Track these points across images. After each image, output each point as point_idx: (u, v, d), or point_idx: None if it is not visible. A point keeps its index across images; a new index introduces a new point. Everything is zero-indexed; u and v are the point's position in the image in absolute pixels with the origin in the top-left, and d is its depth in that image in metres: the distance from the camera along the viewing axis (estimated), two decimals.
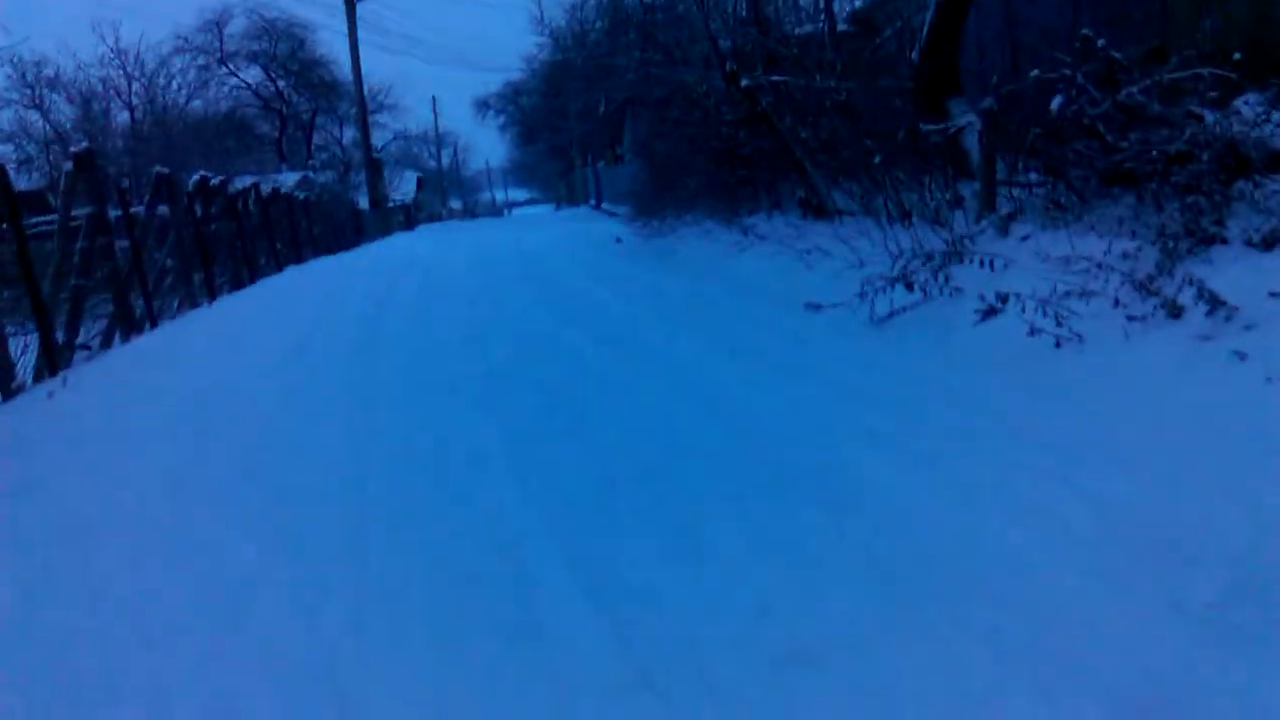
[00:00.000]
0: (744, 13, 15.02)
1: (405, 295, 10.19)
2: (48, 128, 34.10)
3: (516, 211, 71.09)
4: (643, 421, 4.61)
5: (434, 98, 61.64)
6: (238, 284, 12.45)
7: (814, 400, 4.74)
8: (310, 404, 5.53)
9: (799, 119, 9.94)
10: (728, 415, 4.60)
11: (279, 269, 15.22)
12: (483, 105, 57.25)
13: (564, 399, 5.18)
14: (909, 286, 6.10)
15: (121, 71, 35.17)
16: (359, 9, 29.29)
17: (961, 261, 6.21)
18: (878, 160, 8.29)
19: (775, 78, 9.86)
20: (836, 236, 8.23)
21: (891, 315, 6.09)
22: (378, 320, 8.31)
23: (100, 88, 35.25)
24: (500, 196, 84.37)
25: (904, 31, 10.94)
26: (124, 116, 36.01)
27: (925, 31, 8.79)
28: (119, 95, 35.80)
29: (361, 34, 30.14)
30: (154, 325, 8.96)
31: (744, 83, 9.73)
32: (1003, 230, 6.49)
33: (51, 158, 33.84)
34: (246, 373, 6.50)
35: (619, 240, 15.53)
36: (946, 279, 6.11)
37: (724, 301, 7.85)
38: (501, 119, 57.91)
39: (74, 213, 7.79)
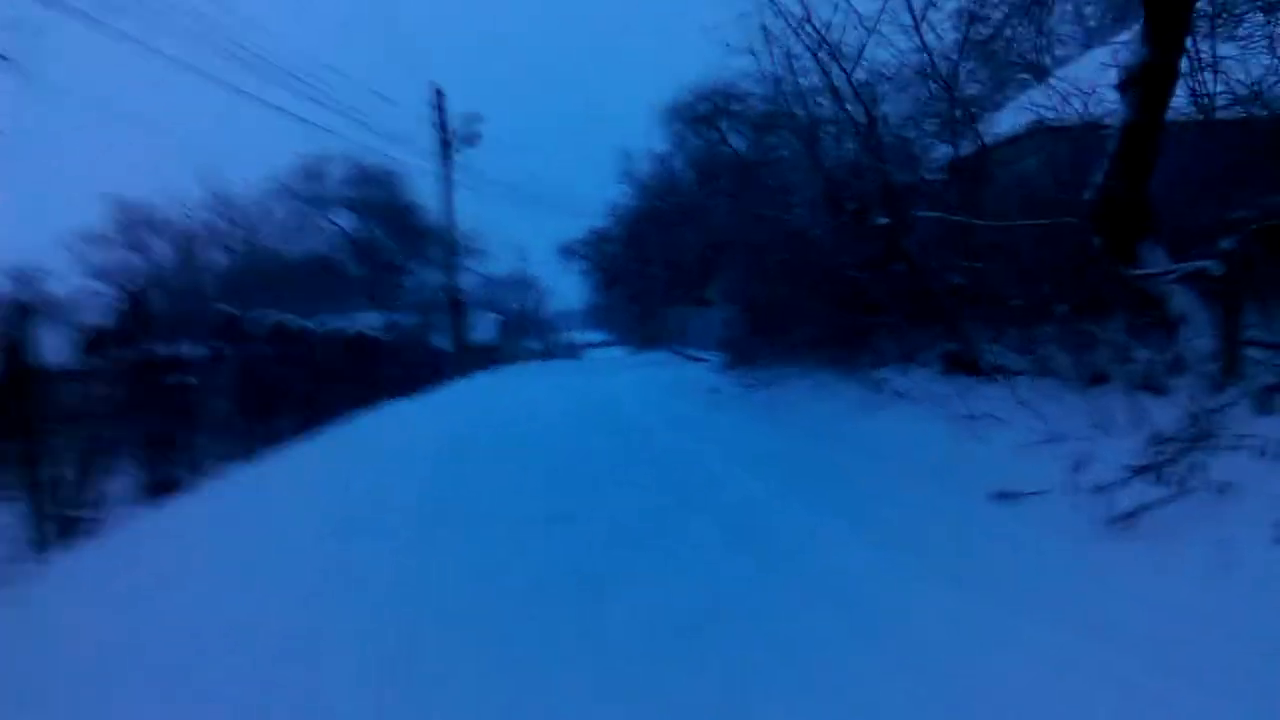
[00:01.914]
0: (853, 154, 14.10)
1: (477, 460, 8.83)
2: (146, 269, 35.14)
3: (593, 353, 71.15)
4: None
5: (520, 245, 63.03)
6: (305, 432, 11.42)
7: (1051, 644, 3.21)
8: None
9: (943, 261, 8.63)
10: (926, 672, 3.09)
11: (350, 414, 14.26)
12: (567, 251, 58.13)
13: (687, 622, 3.76)
14: (1158, 477, 4.55)
15: (221, 216, 36.33)
16: (459, 157, 29.69)
17: (1214, 446, 4.66)
18: (1060, 310, 6.86)
19: (922, 213, 8.61)
20: (1012, 400, 6.73)
21: (1133, 514, 4.51)
22: (443, 493, 6.97)
23: (201, 231, 36.43)
24: (579, 338, 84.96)
25: (1054, 166, 9.68)
26: (220, 259, 37.02)
27: (1109, 162, 7.49)
28: (217, 239, 36.92)
29: (456, 177, 30.49)
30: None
31: (880, 220, 8.50)
32: (1262, 405, 4.93)
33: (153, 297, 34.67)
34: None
35: (715, 390, 14.19)
36: (1197, 469, 4.57)
37: (867, 477, 6.33)
38: (584, 264, 58.54)
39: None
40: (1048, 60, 16.28)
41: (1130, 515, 4.51)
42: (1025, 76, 15.55)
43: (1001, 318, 8.09)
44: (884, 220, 8.58)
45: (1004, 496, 5.22)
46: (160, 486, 7.22)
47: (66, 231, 33.96)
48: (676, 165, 36.97)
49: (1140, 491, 4.60)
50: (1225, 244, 5.45)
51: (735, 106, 29.54)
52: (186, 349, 9.75)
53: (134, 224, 36.07)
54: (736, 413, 10.96)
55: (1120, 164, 7.46)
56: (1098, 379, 6.61)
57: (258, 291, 31.98)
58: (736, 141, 31.25)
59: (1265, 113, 7.98)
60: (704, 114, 31.86)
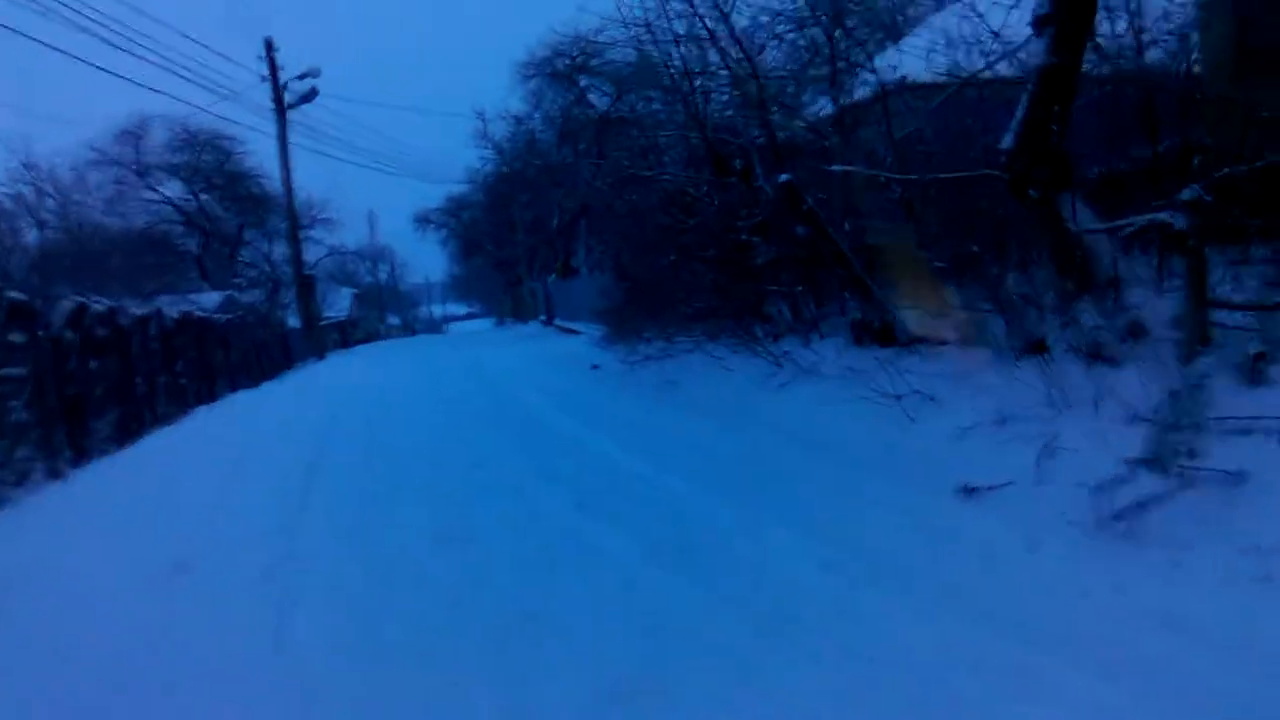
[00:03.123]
0: (731, 108, 13.29)
1: (336, 467, 7.49)
2: None
3: (456, 327, 68.88)
4: None
5: (371, 212, 60.07)
6: (124, 438, 9.75)
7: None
8: None
9: (849, 221, 7.90)
10: None
11: (186, 410, 12.54)
12: (423, 220, 55.67)
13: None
14: (1158, 466, 3.88)
15: (32, 187, 32.47)
16: (294, 116, 27.30)
17: (1214, 428, 4.04)
18: (992, 272, 6.21)
19: (836, 167, 7.81)
20: (943, 374, 6.05)
21: (1131, 512, 3.83)
22: (300, 519, 5.70)
23: (8, 204, 32.45)
24: (439, 311, 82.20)
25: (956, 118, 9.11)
26: (35, 234, 33.16)
27: (1023, 111, 6.88)
28: (30, 212, 33.02)
29: (295, 138, 28.10)
30: None
31: (781, 178, 7.68)
32: (1252, 377, 4.36)
33: None
34: None
35: (596, 367, 13.23)
36: (1198, 455, 3.93)
37: (802, 471, 5.50)
38: (442, 233, 56.29)
39: None
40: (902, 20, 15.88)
41: (1127, 513, 3.82)
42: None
43: (918, 281, 7.43)
44: (785, 177, 7.74)
45: (967, 492, 4.48)
46: None
47: None
48: (535, 126, 35.47)
49: (1134, 484, 3.92)
50: (1187, 194, 4.84)
51: (595, 62, 28.36)
52: None
53: None
54: (626, 392, 10.04)
55: (1038, 110, 6.86)
56: (1035, 347, 5.99)
57: (78, 271, 28.74)
58: (597, 99, 30.15)
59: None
60: (562, 70, 30.46)
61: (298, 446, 8.07)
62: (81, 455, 8.45)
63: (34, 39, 15.55)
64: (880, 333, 7.64)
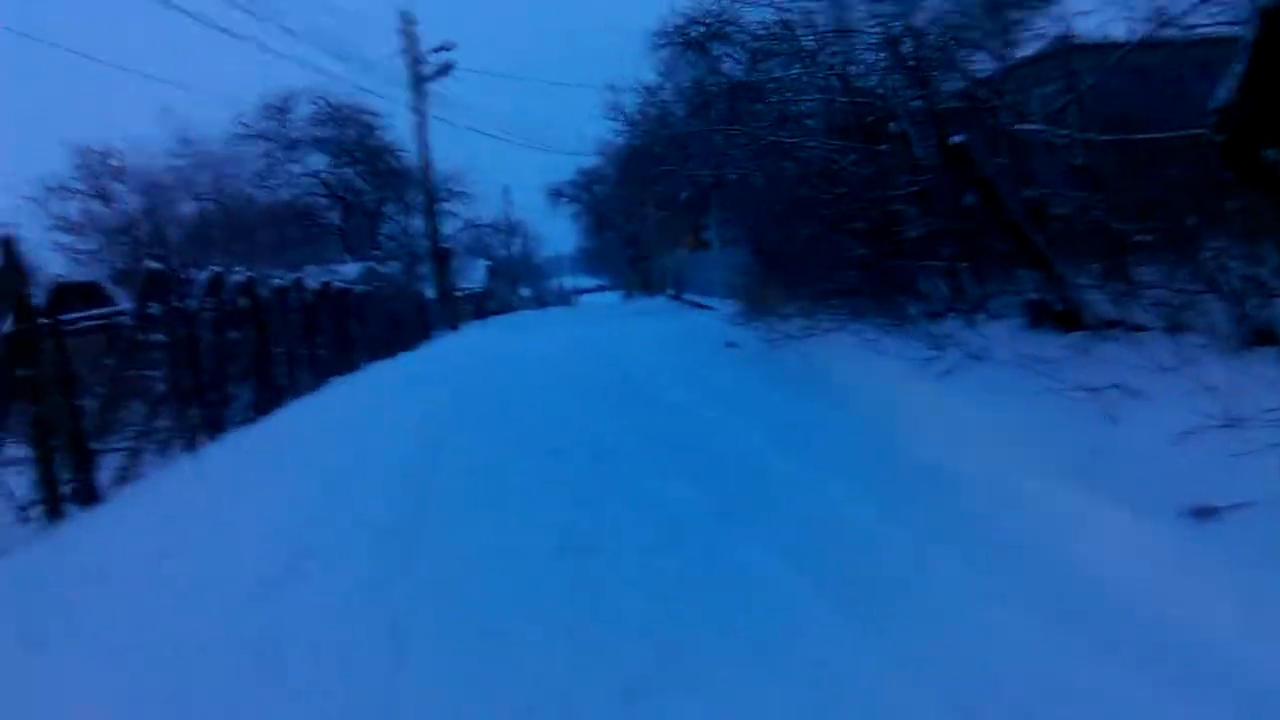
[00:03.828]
0: (879, 72, 12.32)
1: (457, 453, 6.84)
2: (111, 218, 33.09)
3: (585, 299, 69.39)
4: None
5: (505, 186, 60.89)
6: (262, 409, 9.81)
7: None
8: None
9: (1030, 188, 7.00)
10: None
11: (323, 381, 12.65)
12: (555, 194, 56.07)
13: None
14: None
15: (188, 161, 34.16)
16: (431, 89, 27.59)
17: None
18: (1210, 249, 5.27)
19: (1023, 126, 6.93)
20: (1149, 365, 5.16)
21: None
22: (413, 516, 5.26)
23: (167, 178, 34.28)
24: (569, 284, 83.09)
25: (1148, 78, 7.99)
26: (190, 206, 34.96)
27: (1243, 63, 5.82)
28: (185, 186, 34.80)
29: (431, 111, 28.41)
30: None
31: (955, 139, 6.84)
32: None
33: (116, 249, 32.78)
34: None
35: (732, 345, 12.61)
36: None
37: (978, 472, 4.75)
38: (574, 207, 56.60)
39: None
40: None
41: None
42: None
43: (1109, 257, 6.49)
44: (959, 138, 6.88)
45: (1202, 513, 3.68)
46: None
47: (25, 180, 31.73)
48: (667, 97, 34.77)
49: None
50: None
51: (730, 29, 27.42)
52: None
53: (98, 172, 33.93)
54: (766, 374, 9.38)
55: (1262, 59, 5.79)
56: (1264, 338, 5.05)
57: (230, 242, 30.08)
58: (731, 68, 29.17)
59: None
60: (695, 37, 29.59)
61: (419, 429, 7.80)
62: (218, 426, 8.47)
63: (187, 12, 15.98)
64: (1063, 315, 6.73)
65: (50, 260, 32.12)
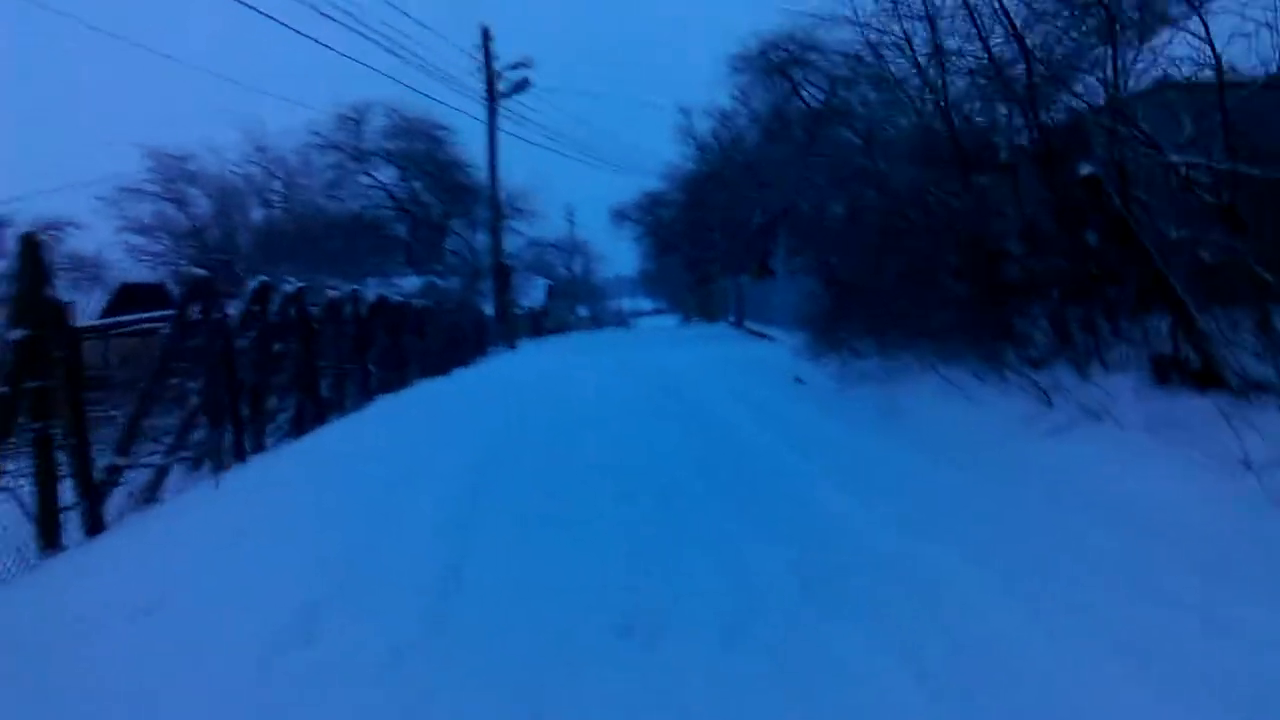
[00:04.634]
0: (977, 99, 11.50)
1: (504, 492, 6.10)
2: (183, 222, 33.51)
3: (642, 322, 68.89)
4: None
5: (569, 206, 60.96)
6: (304, 427, 9.31)
7: None
8: None
9: (1169, 226, 6.16)
10: None
11: (372, 398, 12.18)
12: (620, 215, 55.85)
13: None
14: None
15: (262, 168, 34.52)
16: (504, 105, 27.39)
17: None
18: None
19: (1175, 157, 6.10)
20: None
21: None
22: (448, 574, 4.53)
23: (240, 184, 34.68)
24: (627, 306, 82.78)
25: None
26: (260, 213, 35.30)
27: None
28: (258, 193, 35.18)
29: (503, 125, 28.18)
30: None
31: (1084, 170, 6.03)
32: None
33: (186, 252, 33.16)
34: None
35: (801, 382, 11.84)
36: None
37: (1116, 557, 3.91)
38: (638, 229, 56.30)
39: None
40: None
41: None
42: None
43: (1258, 307, 5.63)
44: (1088, 170, 6.06)
45: None
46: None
47: (98, 180, 32.30)
48: (741, 122, 34.26)
49: None
50: None
51: (812, 56, 26.78)
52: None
53: (171, 175, 34.42)
54: (841, 417, 8.59)
55: None
56: None
57: (297, 251, 30.18)
58: (809, 96, 28.47)
59: None
60: (776, 63, 29.03)
61: (465, 462, 7.19)
62: (256, 444, 7.97)
63: (264, 13, 15.86)
64: (1199, 372, 5.87)
65: (120, 261, 32.71)
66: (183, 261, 32.56)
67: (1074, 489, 4.87)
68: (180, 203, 34.18)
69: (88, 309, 26.62)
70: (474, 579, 4.10)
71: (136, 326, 8.74)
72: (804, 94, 29.08)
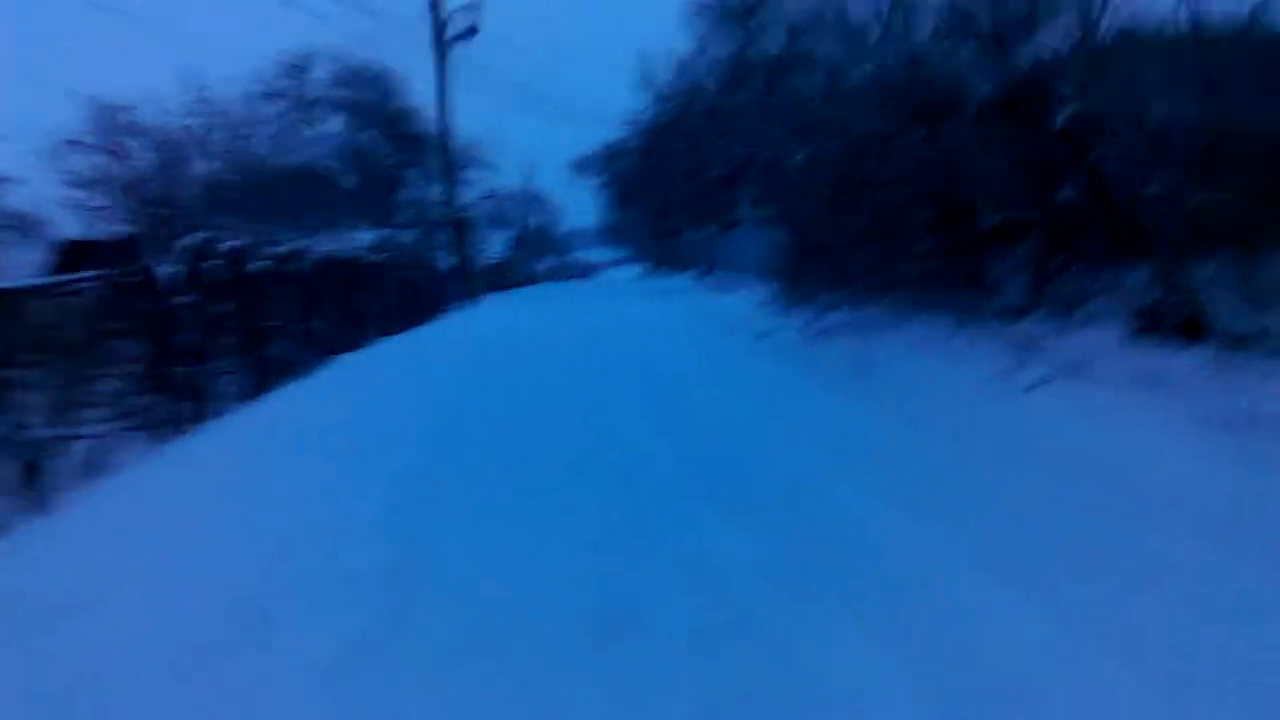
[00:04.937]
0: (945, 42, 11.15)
1: (460, 468, 5.82)
2: (124, 175, 32.20)
3: (607, 273, 68.22)
4: None
5: (528, 158, 59.86)
6: (252, 391, 8.88)
7: None
8: None
9: (1140, 174, 5.92)
10: None
11: (325, 359, 11.73)
12: (580, 166, 54.98)
13: None
14: None
15: (204, 120, 33.19)
16: (456, 54, 26.47)
17: None
18: None
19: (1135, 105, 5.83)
20: None
21: None
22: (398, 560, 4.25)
23: (182, 137, 33.35)
24: (591, 256, 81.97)
25: None
26: (204, 166, 34.04)
27: None
28: (200, 144, 33.86)
29: (456, 77, 27.27)
30: None
31: (1060, 120, 5.77)
32: None
33: (128, 206, 31.94)
34: None
35: (769, 334, 11.59)
36: None
37: (1114, 532, 3.73)
38: (599, 180, 55.50)
39: None
40: None
41: None
42: None
43: (1246, 255, 5.44)
44: (1068, 112, 5.79)
45: None
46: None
47: (36, 132, 30.84)
48: (701, 71, 33.51)
49: None
50: None
51: (771, 1, 26.16)
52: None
53: (111, 127, 33.00)
54: (812, 374, 8.34)
55: None
56: None
57: (243, 204, 29.19)
58: (771, 42, 27.89)
59: None
60: (734, 8, 28.38)
61: (424, 422, 6.86)
62: (197, 413, 7.55)
63: None
64: (1183, 324, 5.69)
65: (62, 217, 31.46)
66: (126, 215, 31.44)
67: (1038, 448, 4.69)
68: (121, 155, 32.84)
69: (28, 266, 25.54)
70: (425, 576, 3.79)
71: (75, 286, 8.24)
72: (763, 42, 28.50)
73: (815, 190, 13.03)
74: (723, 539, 3.97)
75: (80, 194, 32.20)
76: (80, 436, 6.34)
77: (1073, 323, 6.70)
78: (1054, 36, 9.51)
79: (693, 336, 12.75)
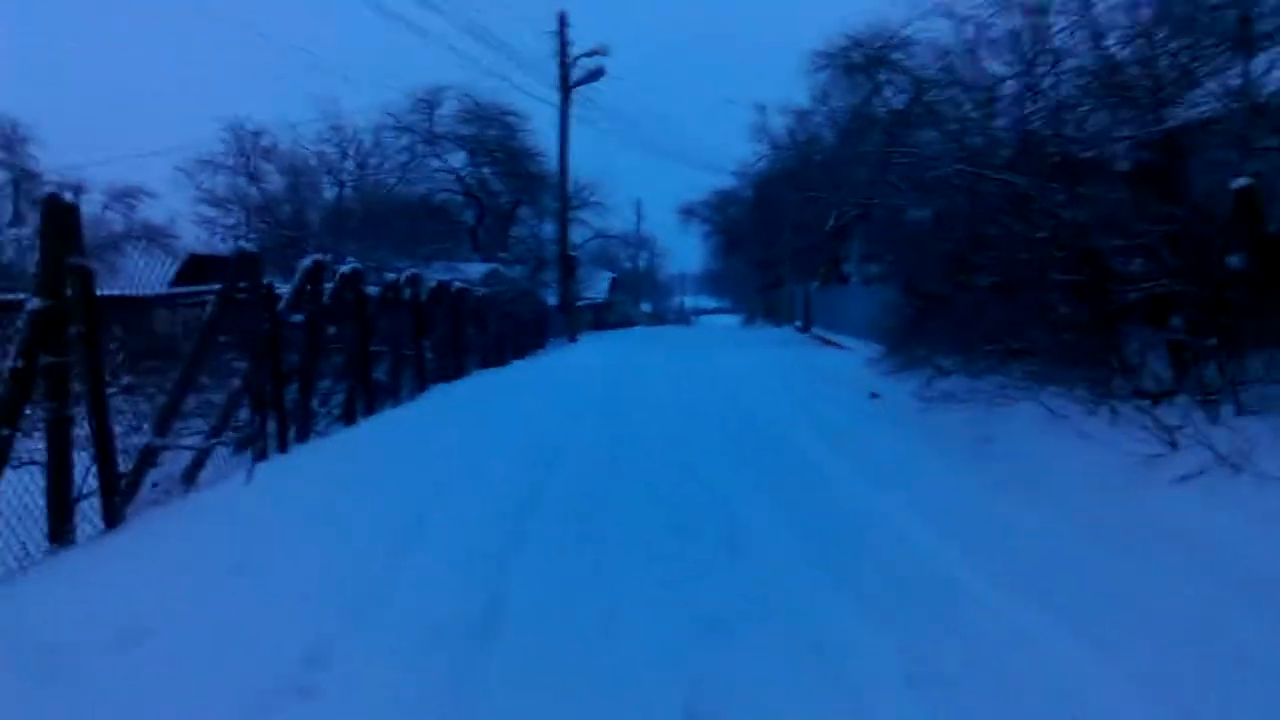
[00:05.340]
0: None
1: (555, 518, 5.55)
2: (256, 196, 33.80)
3: (705, 320, 68.15)
4: None
5: (638, 200, 60.54)
6: (354, 415, 8.90)
7: None
8: None
9: None
10: None
11: (427, 387, 11.78)
12: (688, 212, 55.25)
13: None
14: None
15: (336, 148, 34.65)
16: (576, 93, 26.94)
17: None
18: None
19: None
20: None
21: None
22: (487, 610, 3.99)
23: (313, 162, 34.87)
24: (690, 303, 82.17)
25: None
26: (332, 192, 35.45)
27: None
28: (330, 171, 35.33)
29: (575, 114, 27.72)
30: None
31: (1238, 182, 5.26)
32: None
33: (260, 226, 33.46)
34: None
35: (878, 396, 11.12)
36: None
37: None
38: (705, 227, 55.66)
39: None
40: None
41: None
42: None
43: None
44: (1243, 182, 5.29)
45: None
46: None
47: (174, 150, 32.77)
48: (818, 121, 33.24)
49: None
50: None
51: (896, 55, 25.76)
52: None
53: (247, 150, 34.75)
54: (929, 443, 7.87)
55: None
56: None
57: (363, 230, 30.16)
58: (893, 96, 27.40)
59: None
60: (859, 62, 28.07)
61: (515, 468, 6.67)
62: (301, 432, 7.56)
63: None
64: None
65: (193, 232, 33.14)
66: (253, 235, 32.91)
67: (1224, 560, 4.12)
68: (254, 177, 34.52)
69: (158, 277, 26.90)
70: (512, 629, 3.54)
71: (197, 299, 8.43)
72: (887, 93, 28.06)
73: (939, 247, 12.56)
74: (851, 630, 3.58)
75: (212, 211, 33.97)
76: (182, 448, 6.37)
77: (1224, 410, 6.08)
78: (1210, 96, 8.91)
79: (797, 394, 12.33)
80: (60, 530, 4.19)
